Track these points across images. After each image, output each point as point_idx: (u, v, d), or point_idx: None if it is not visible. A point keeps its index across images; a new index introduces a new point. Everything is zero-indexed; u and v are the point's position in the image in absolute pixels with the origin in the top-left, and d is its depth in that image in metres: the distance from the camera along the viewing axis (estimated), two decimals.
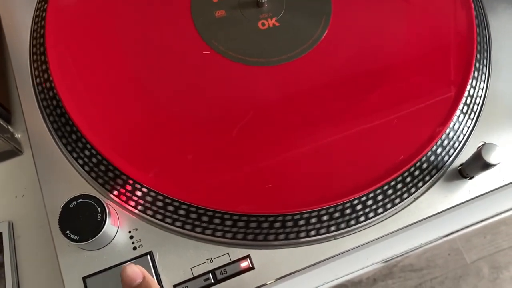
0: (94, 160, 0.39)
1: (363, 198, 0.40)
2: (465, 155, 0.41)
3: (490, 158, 0.37)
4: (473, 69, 0.43)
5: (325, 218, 0.39)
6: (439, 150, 0.41)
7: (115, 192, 0.39)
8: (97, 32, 0.43)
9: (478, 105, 0.44)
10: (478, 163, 0.37)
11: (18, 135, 0.46)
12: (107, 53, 0.43)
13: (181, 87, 0.42)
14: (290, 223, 0.39)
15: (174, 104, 0.42)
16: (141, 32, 0.44)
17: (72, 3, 0.44)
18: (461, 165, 0.40)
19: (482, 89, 0.44)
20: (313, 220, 0.39)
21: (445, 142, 0.42)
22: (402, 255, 0.42)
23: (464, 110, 0.43)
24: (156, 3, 0.46)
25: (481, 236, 1.08)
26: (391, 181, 0.40)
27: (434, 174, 0.41)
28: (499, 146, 0.38)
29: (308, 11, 0.46)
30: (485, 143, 0.38)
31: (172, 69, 0.43)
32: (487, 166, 0.37)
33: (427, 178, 0.41)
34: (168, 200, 0.39)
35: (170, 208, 0.39)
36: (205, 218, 0.38)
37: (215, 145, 0.40)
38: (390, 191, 0.40)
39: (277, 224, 0.39)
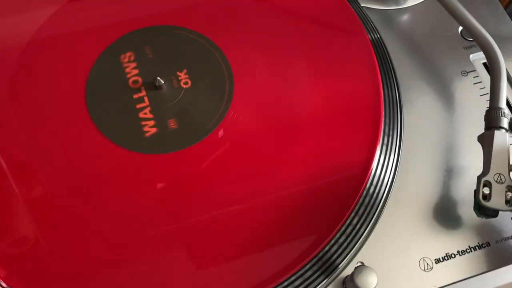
0: None
1: None
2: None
3: (363, 284, 0.34)
4: (377, 152, 0.41)
5: None
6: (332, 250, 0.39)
7: None
8: None
9: (380, 199, 0.41)
10: (352, 285, 0.35)
11: None
12: None
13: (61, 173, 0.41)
14: None
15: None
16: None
17: None
18: (345, 277, 0.38)
19: (386, 183, 0.42)
20: None
21: (341, 239, 0.39)
22: None
23: (365, 203, 0.40)
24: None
25: None
26: None
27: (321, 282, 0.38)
28: (375, 271, 0.35)
29: (201, 109, 0.44)
30: (362, 264, 0.35)
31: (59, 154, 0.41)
32: None
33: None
34: None
35: None
36: None
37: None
38: None
39: None
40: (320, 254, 0.38)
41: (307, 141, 0.42)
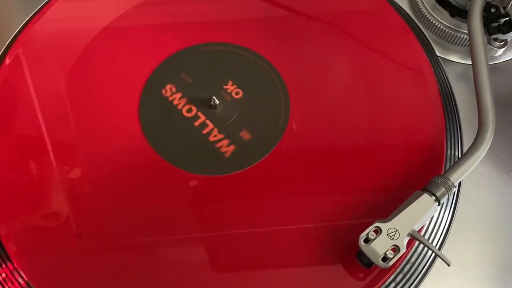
0: None
1: None
2: None
3: None
4: None
5: None
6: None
7: None
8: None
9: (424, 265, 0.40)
10: None
11: None
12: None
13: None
14: None
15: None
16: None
17: None
18: None
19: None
20: None
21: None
22: None
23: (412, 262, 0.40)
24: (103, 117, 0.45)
25: None
26: None
27: None
28: None
29: (263, 109, 0.45)
30: None
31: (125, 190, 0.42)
32: None
33: None
34: None
35: None
36: None
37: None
38: None
39: None
40: None
41: (362, 182, 0.42)
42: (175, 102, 0.45)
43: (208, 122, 0.44)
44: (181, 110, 0.44)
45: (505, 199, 0.43)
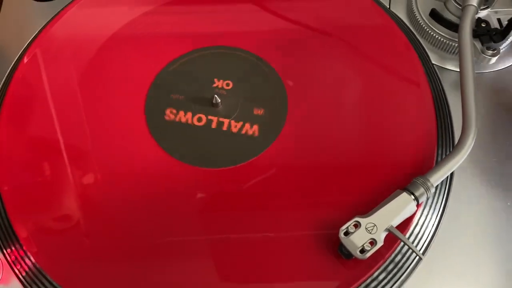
0: None
1: None
2: None
3: None
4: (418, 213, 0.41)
5: None
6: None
7: (8, 250, 0.41)
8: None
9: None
10: None
11: None
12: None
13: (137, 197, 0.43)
14: None
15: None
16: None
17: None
18: None
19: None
20: None
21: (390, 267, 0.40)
22: None
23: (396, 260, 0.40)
24: (109, 110, 0.48)
25: None
26: None
27: None
28: None
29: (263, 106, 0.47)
30: None
31: (128, 183, 0.44)
32: None
33: None
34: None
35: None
36: None
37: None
38: None
39: None
40: None
41: (352, 186, 0.43)
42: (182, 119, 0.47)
43: (221, 119, 0.46)
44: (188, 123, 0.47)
45: (495, 202, 0.44)
